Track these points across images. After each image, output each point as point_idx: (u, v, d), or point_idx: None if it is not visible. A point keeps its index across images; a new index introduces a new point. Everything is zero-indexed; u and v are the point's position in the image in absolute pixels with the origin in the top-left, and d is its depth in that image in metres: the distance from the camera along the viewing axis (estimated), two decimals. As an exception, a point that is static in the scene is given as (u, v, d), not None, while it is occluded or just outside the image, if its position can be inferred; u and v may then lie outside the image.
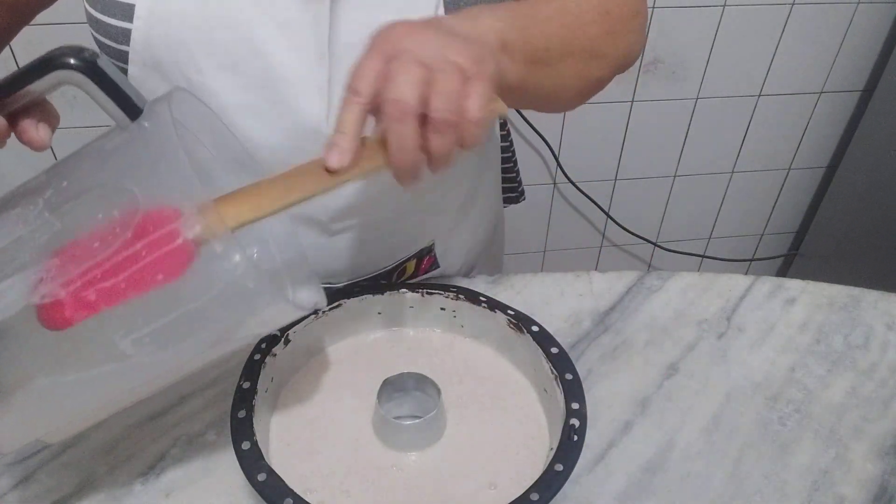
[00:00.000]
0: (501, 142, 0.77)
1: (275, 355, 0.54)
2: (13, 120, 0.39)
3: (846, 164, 1.50)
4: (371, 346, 0.61)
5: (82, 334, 0.39)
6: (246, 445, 0.46)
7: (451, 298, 0.59)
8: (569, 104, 0.56)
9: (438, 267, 0.69)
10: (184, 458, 0.53)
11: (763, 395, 0.59)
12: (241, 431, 0.47)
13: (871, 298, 0.70)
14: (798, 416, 0.58)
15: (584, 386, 0.51)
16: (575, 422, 0.48)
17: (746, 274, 0.72)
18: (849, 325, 0.67)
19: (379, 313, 0.61)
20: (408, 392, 0.55)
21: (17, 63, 1.13)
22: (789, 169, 1.60)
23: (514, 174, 0.83)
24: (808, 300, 0.69)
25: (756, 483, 0.52)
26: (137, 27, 0.50)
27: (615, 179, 1.54)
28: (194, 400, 0.57)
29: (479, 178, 0.70)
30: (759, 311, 0.68)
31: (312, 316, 0.57)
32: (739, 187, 1.60)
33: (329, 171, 0.39)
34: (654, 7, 1.28)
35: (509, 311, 0.57)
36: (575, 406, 0.49)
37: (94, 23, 0.52)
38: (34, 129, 0.39)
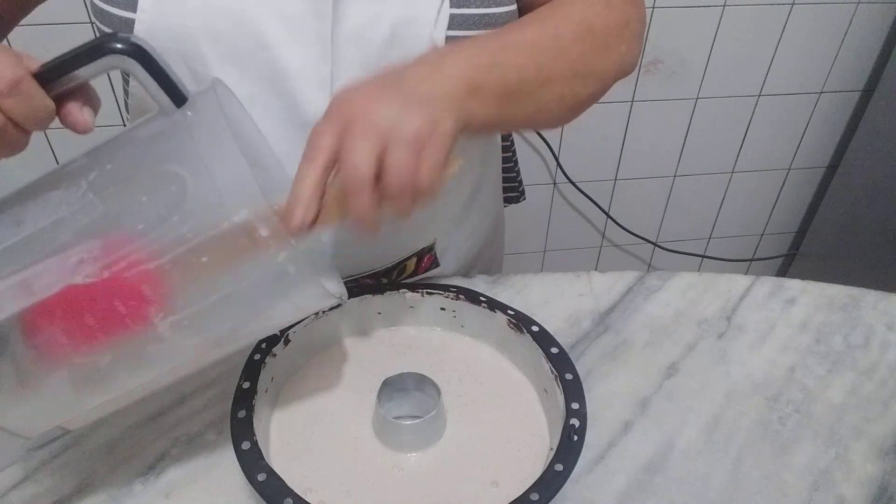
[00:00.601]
0: (502, 141, 0.78)
1: (275, 355, 0.54)
2: (58, 103, 0.40)
3: (846, 164, 1.50)
4: (371, 346, 0.61)
5: (120, 314, 0.39)
6: (246, 445, 0.46)
7: (451, 298, 0.59)
8: (559, 122, 0.54)
9: (438, 266, 0.69)
10: (184, 458, 0.53)
11: (763, 395, 0.59)
12: (241, 431, 0.47)
13: (871, 298, 0.70)
14: (798, 416, 0.58)
15: (584, 386, 0.51)
16: (575, 422, 0.48)
17: (746, 274, 0.72)
18: (849, 325, 0.67)
19: (379, 313, 0.61)
20: (408, 392, 0.55)
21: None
22: (789, 169, 1.60)
23: (515, 174, 0.83)
24: (808, 300, 0.69)
25: (756, 483, 0.52)
26: (141, 18, 0.50)
27: (615, 179, 1.54)
28: (194, 400, 0.57)
29: (481, 177, 0.71)
30: (759, 311, 0.68)
31: (312, 316, 0.57)
32: (739, 187, 1.60)
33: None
34: (653, 7, 1.28)
35: (509, 311, 0.57)
36: (575, 406, 0.49)
37: (98, 13, 0.52)
38: (79, 111, 0.40)
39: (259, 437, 0.47)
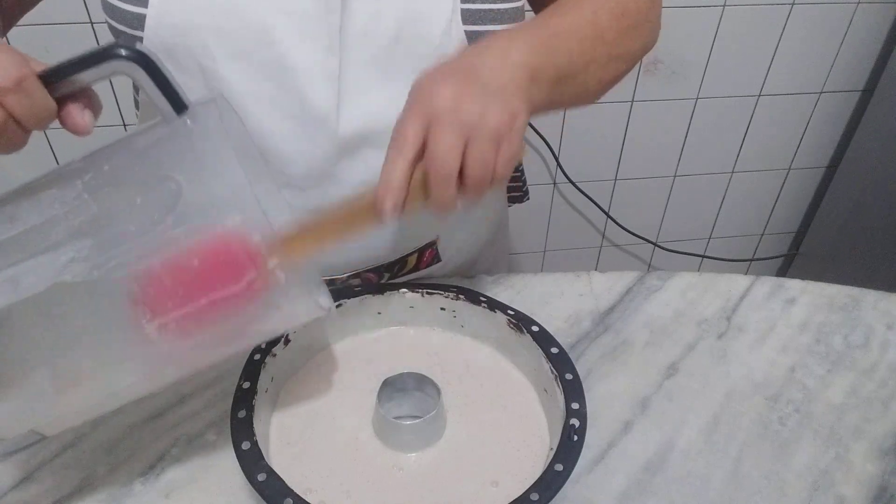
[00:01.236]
0: None
1: (275, 355, 0.54)
2: (60, 104, 0.40)
3: (846, 164, 1.50)
4: (371, 346, 0.61)
5: (108, 314, 0.39)
6: (246, 445, 0.46)
7: (451, 298, 0.59)
8: (590, 102, 0.57)
9: (440, 261, 0.69)
10: (184, 458, 0.53)
11: (763, 395, 0.59)
12: (241, 431, 0.47)
13: (871, 298, 0.70)
14: (798, 416, 0.58)
15: (584, 386, 0.51)
16: (575, 422, 0.48)
17: (746, 274, 0.72)
18: (849, 325, 0.67)
19: (379, 313, 0.61)
20: (408, 392, 0.55)
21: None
22: (789, 169, 1.60)
23: (519, 173, 0.84)
24: (808, 300, 0.69)
25: (756, 483, 0.52)
26: (151, 14, 0.51)
27: (615, 179, 1.54)
28: (194, 400, 0.57)
29: None
30: (759, 311, 0.68)
31: (312, 316, 0.57)
32: (739, 187, 1.60)
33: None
34: (654, 7, 1.28)
35: (509, 311, 0.57)
36: (575, 406, 0.49)
37: (108, 9, 0.53)
38: (79, 113, 0.40)
39: (259, 437, 0.47)
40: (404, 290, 0.60)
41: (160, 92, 0.39)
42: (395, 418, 0.52)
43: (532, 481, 0.44)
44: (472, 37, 0.54)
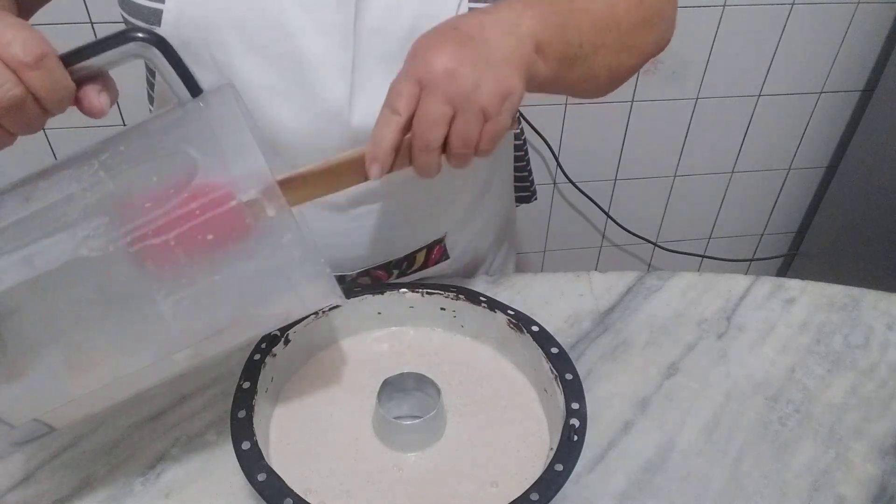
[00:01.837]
0: (515, 140, 0.78)
1: (275, 355, 0.54)
2: (78, 86, 0.40)
3: (846, 164, 1.49)
4: (371, 346, 0.61)
5: (123, 291, 0.40)
6: (246, 445, 0.46)
7: (451, 298, 0.59)
8: (598, 93, 0.57)
9: (448, 258, 0.70)
10: (184, 458, 0.53)
11: (763, 395, 0.59)
12: (241, 431, 0.47)
13: (871, 298, 0.70)
14: (798, 416, 0.58)
15: (584, 386, 0.51)
16: (575, 422, 0.48)
17: (746, 274, 0.72)
18: (849, 325, 0.67)
19: (379, 313, 0.61)
20: (408, 392, 0.55)
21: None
22: (789, 169, 1.60)
23: (527, 173, 0.84)
24: (808, 300, 0.69)
25: (756, 483, 0.52)
26: (169, 8, 0.51)
27: (615, 179, 1.53)
28: (194, 400, 0.57)
29: (492, 172, 0.71)
30: (759, 311, 0.68)
31: (312, 316, 0.57)
32: (739, 187, 1.60)
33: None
34: (654, 7, 1.28)
35: (509, 311, 0.57)
36: (575, 406, 0.49)
37: (125, 4, 0.53)
38: (96, 95, 0.41)
39: (259, 437, 0.47)
40: (404, 290, 0.60)
41: (176, 74, 0.40)
42: (395, 418, 0.52)
43: (532, 481, 0.44)
44: None
